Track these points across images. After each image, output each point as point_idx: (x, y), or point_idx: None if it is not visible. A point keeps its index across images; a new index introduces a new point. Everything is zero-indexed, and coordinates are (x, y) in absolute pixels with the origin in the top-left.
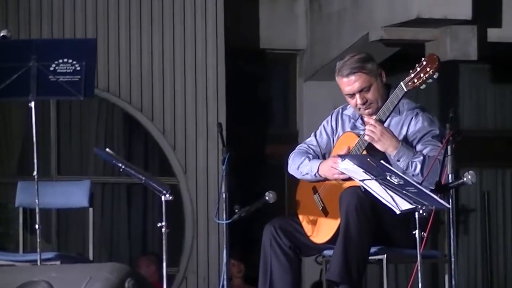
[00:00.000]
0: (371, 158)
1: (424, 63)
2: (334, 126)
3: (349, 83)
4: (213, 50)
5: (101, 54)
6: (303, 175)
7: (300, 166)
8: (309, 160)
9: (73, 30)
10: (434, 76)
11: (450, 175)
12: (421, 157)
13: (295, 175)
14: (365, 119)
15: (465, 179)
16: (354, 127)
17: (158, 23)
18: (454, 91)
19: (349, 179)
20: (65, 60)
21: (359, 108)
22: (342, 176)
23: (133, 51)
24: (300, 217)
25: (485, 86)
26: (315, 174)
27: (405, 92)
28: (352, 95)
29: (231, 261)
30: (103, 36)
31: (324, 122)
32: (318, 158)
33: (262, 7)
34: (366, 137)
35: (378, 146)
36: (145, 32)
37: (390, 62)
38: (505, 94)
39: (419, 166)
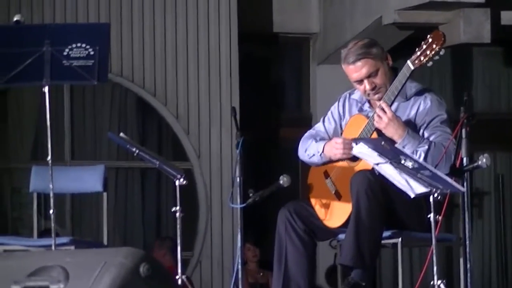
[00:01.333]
0: (385, 142)
1: (430, 40)
2: (341, 112)
3: (356, 69)
4: (226, 34)
5: (114, 38)
6: (310, 157)
7: (307, 148)
8: (315, 142)
9: (87, 14)
10: (441, 53)
11: (464, 158)
12: (426, 146)
13: (303, 159)
14: (376, 102)
15: (479, 162)
16: (361, 110)
17: (171, 8)
18: (468, 74)
19: (353, 158)
20: (79, 44)
21: (368, 94)
22: (344, 156)
23: (146, 36)
24: (313, 201)
25: (498, 69)
26: (320, 155)
27: (412, 70)
28: (360, 82)
29: (246, 245)
30: (117, 21)
31: (332, 108)
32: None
33: None
34: (375, 123)
35: (384, 131)
36: (158, 17)
37: (404, 45)
38: None
39: (423, 155)
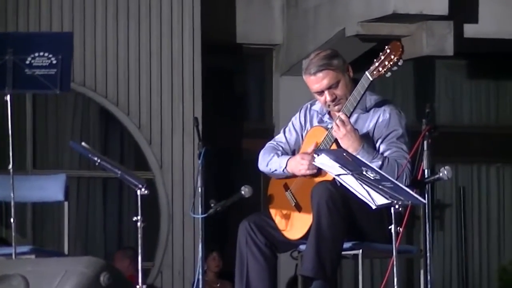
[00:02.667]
0: (347, 153)
1: (388, 51)
2: (302, 122)
3: (317, 80)
4: (189, 44)
5: (78, 48)
6: (272, 171)
7: (269, 162)
8: (277, 157)
9: (50, 23)
10: (399, 63)
11: (426, 170)
12: (379, 162)
13: (265, 172)
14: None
15: (441, 174)
16: (321, 121)
17: (134, 17)
18: (430, 87)
19: (317, 175)
20: (41, 53)
21: (329, 105)
22: (309, 172)
23: (109, 46)
24: (273, 212)
25: (461, 81)
26: (283, 170)
27: (371, 81)
28: (321, 93)
29: (213, 253)
30: (80, 30)
31: (293, 118)
32: (287, 154)
33: (239, 2)
34: (333, 132)
35: (340, 142)
36: (121, 27)
37: (367, 57)
38: (481, 90)
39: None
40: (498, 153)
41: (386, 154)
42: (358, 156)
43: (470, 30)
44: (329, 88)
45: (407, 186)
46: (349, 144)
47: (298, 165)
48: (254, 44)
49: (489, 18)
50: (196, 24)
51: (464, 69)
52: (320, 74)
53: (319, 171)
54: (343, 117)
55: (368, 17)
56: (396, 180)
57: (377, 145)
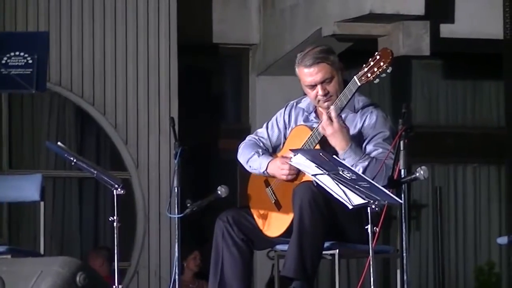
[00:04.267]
0: (323, 153)
1: (378, 57)
2: (286, 120)
3: (312, 73)
4: (165, 44)
5: (53, 47)
6: (252, 169)
7: (249, 160)
8: (258, 156)
9: (25, 23)
10: (388, 71)
11: (402, 170)
12: (366, 162)
13: (244, 167)
14: (323, 111)
15: (417, 174)
16: (307, 119)
17: (110, 17)
18: (407, 87)
19: (296, 179)
20: (17, 53)
21: (319, 100)
22: (290, 177)
23: (85, 45)
24: (252, 209)
25: (437, 81)
26: (263, 172)
27: (359, 86)
28: (313, 86)
29: (194, 252)
30: (56, 30)
31: (278, 114)
32: (268, 151)
33: (215, 2)
34: (320, 128)
35: (328, 139)
36: (97, 26)
37: (343, 57)
38: (457, 90)
39: (361, 170)
40: (474, 153)
41: (373, 154)
42: (346, 155)
43: (446, 30)
44: (322, 82)
45: (384, 186)
46: (337, 143)
47: (279, 170)
48: (230, 44)
49: (465, 18)
50: (172, 23)
51: (440, 69)
52: (316, 67)
53: (300, 172)
54: (332, 113)
55: (344, 17)
56: (376, 176)
57: (363, 145)
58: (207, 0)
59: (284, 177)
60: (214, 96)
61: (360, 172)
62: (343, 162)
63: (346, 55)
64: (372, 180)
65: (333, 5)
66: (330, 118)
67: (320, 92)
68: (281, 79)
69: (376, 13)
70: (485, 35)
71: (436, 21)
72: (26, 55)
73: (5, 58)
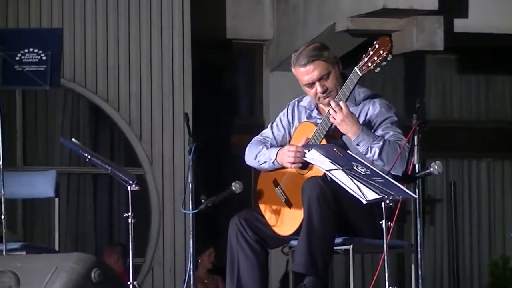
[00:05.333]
0: (337, 148)
1: (377, 46)
2: (290, 119)
3: (308, 72)
4: (179, 40)
5: (67, 43)
6: (261, 164)
7: (258, 155)
8: (266, 149)
9: (39, 19)
10: (388, 58)
11: (416, 165)
12: (381, 143)
13: (252, 165)
14: (325, 108)
15: (431, 169)
16: (310, 117)
17: (124, 13)
18: (421, 82)
19: (305, 167)
20: (31, 49)
21: (319, 97)
22: (296, 163)
23: (99, 41)
24: (262, 208)
25: (451, 76)
26: (273, 162)
27: (360, 76)
28: (311, 85)
29: (210, 249)
30: (69, 26)
31: (281, 114)
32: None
33: None
34: (330, 118)
35: (339, 127)
36: (111, 22)
37: (357, 52)
38: (471, 85)
39: (377, 151)
40: (488, 148)
41: (387, 135)
42: (359, 139)
43: (460, 25)
44: (320, 79)
45: (398, 181)
46: (348, 129)
47: (285, 156)
48: (244, 39)
49: (479, 12)
50: (186, 19)
51: (453, 63)
52: (311, 65)
53: (307, 165)
54: (340, 102)
55: (358, 12)
56: (397, 160)
57: (375, 131)
58: None
59: (289, 164)
60: (228, 91)
61: (376, 154)
62: (357, 157)
63: (360, 50)
64: (389, 161)
65: (346, 0)
66: (338, 105)
67: (319, 89)
68: (294, 75)
69: (390, 8)
70: (499, 29)
71: (449, 16)
72: (40, 52)
73: (19, 55)
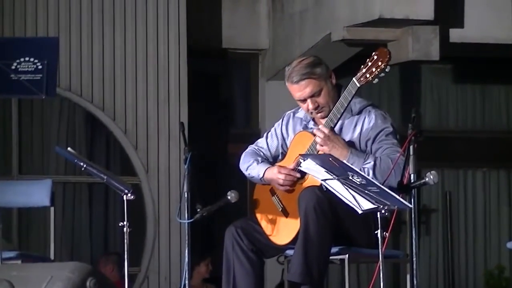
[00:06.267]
0: (333, 158)
1: (375, 57)
2: (284, 131)
3: (300, 89)
4: (175, 49)
5: (63, 53)
6: (251, 177)
7: (248, 168)
8: (257, 164)
9: (35, 28)
10: (386, 70)
11: (412, 175)
12: (372, 163)
13: (245, 174)
14: (320, 120)
15: (427, 179)
16: (306, 128)
17: (120, 22)
18: (416, 91)
19: (293, 190)
20: (27, 58)
21: (311, 113)
22: (285, 186)
23: (95, 50)
24: (258, 216)
25: (446, 86)
26: (261, 179)
27: (358, 87)
28: (304, 101)
29: (207, 259)
30: (65, 35)
31: (276, 125)
32: (268, 160)
33: (225, 7)
34: (318, 147)
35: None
36: (107, 32)
37: (353, 62)
38: (467, 94)
39: (370, 172)
40: (484, 158)
41: (378, 152)
42: (350, 162)
43: (455, 35)
44: (311, 96)
45: (393, 191)
46: (337, 154)
47: (275, 178)
48: (239, 49)
49: (475, 23)
50: (181, 28)
51: (449, 73)
52: (302, 83)
53: (303, 177)
54: (325, 130)
55: (353, 22)
56: (390, 174)
57: (368, 146)
58: (216, 5)
59: (280, 186)
60: (223, 101)
61: (370, 174)
62: (352, 167)
63: (356, 60)
64: (384, 178)
65: (342, 10)
66: (322, 134)
67: (311, 106)
68: None
69: (386, 17)
70: (495, 39)
71: (445, 26)
72: (36, 61)
73: (15, 64)
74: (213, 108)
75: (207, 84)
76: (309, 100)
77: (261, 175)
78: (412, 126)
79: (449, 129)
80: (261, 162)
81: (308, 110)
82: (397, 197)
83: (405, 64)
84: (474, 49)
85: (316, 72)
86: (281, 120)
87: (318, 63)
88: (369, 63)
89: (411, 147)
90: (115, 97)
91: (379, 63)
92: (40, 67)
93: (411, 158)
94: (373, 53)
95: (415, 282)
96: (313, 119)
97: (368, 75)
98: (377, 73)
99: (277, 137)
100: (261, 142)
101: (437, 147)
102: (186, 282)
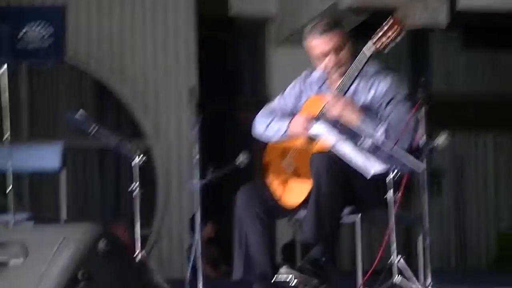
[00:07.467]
0: (344, 122)
1: (392, 21)
2: (298, 90)
3: (325, 41)
4: (184, 16)
5: (72, 18)
6: (270, 136)
7: (267, 127)
8: (277, 120)
9: None
10: (402, 34)
11: (422, 138)
12: (384, 127)
13: (262, 137)
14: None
15: (438, 141)
16: (320, 89)
17: None
18: (425, 58)
19: (312, 138)
20: (35, 26)
21: (331, 68)
22: (305, 133)
23: (103, 17)
24: (269, 179)
25: (454, 53)
26: (283, 133)
27: (373, 51)
28: (324, 56)
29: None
30: (75, 2)
31: (291, 85)
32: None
33: None
34: (329, 112)
35: (340, 119)
36: None
37: (358, 30)
38: (475, 61)
39: (383, 135)
40: (494, 122)
41: (391, 116)
42: (361, 126)
43: (463, 2)
44: (335, 50)
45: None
46: (349, 119)
47: (295, 126)
48: (247, 16)
49: None
50: None
51: (457, 41)
52: (329, 34)
53: (315, 138)
54: (337, 94)
55: None
56: (403, 136)
57: (383, 108)
58: None
59: (300, 132)
60: (232, 68)
61: (383, 137)
62: (363, 129)
63: (362, 27)
64: (398, 139)
65: None
66: (334, 99)
67: (333, 60)
68: (298, 52)
69: None
70: (501, 8)
71: None
72: (44, 28)
73: (24, 31)
74: (221, 75)
75: (215, 52)
76: (332, 54)
77: (284, 128)
78: (421, 90)
79: (459, 94)
80: (280, 118)
81: (328, 66)
82: (409, 157)
83: (413, 31)
84: (481, 17)
85: (341, 27)
86: (295, 80)
87: (340, 22)
88: (385, 27)
89: (421, 110)
90: (125, 63)
91: (396, 27)
92: (49, 34)
93: (422, 121)
94: (389, 17)
95: (426, 242)
96: (327, 82)
97: (384, 39)
98: (393, 37)
99: (291, 97)
100: (274, 103)
101: (447, 112)
102: (199, 243)
